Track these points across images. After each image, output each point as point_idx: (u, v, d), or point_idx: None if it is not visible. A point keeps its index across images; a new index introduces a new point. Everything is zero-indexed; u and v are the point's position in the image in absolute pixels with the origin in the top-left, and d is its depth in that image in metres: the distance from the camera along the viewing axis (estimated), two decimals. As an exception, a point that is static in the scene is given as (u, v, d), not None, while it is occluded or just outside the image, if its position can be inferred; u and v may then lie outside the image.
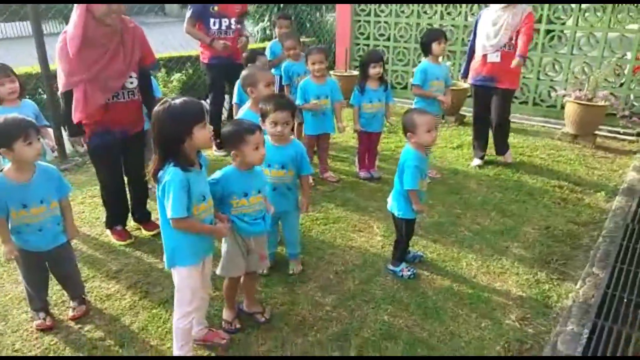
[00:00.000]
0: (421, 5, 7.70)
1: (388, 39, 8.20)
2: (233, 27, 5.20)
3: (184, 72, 7.27)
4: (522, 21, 4.62)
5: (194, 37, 5.26)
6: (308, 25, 10.27)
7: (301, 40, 5.49)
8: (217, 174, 2.54)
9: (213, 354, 2.60)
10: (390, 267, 3.33)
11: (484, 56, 4.81)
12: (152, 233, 3.76)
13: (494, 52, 4.74)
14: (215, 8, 5.05)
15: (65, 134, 5.60)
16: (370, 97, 4.58)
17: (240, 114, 3.59)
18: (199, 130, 2.16)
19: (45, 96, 5.37)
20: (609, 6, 6.15)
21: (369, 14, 8.27)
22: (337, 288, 3.16)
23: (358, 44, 8.55)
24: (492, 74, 4.81)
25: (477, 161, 5.21)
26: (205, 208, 2.30)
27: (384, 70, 4.63)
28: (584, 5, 6.42)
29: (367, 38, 8.42)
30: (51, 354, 2.60)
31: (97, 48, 3.15)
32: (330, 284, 3.20)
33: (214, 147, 5.43)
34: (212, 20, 5.08)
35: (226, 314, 2.81)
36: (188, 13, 5.12)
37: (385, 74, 4.87)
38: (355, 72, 7.93)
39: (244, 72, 3.59)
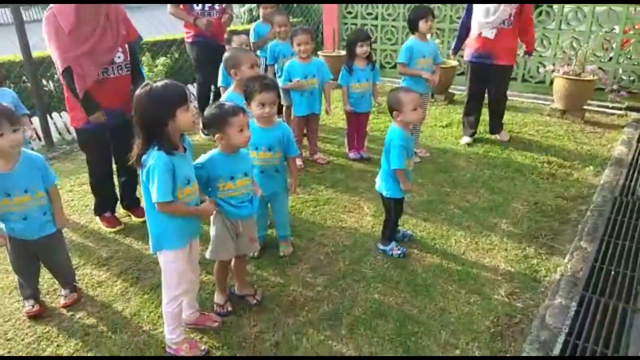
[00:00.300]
0: (409, -18, 7.62)
1: (376, 18, 8.13)
2: (216, 7, 5.18)
3: (169, 55, 7.19)
4: (520, 6, 4.63)
5: (177, 17, 5.22)
6: (295, 5, 10.15)
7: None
8: (202, 158, 2.53)
9: (205, 338, 2.62)
10: (380, 246, 3.35)
11: (481, 34, 4.78)
12: (142, 219, 3.75)
13: (490, 30, 4.71)
14: None
15: (51, 122, 5.57)
16: (359, 77, 4.57)
17: (224, 96, 3.56)
18: (182, 113, 2.16)
19: (29, 84, 5.30)
20: (596, -20, 6.13)
21: (355, -6, 8.19)
22: (327, 269, 3.18)
23: (346, 24, 8.48)
24: (489, 50, 4.79)
25: (467, 139, 5.22)
26: (190, 192, 2.30)
27: (371, 49, 4.61)
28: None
29: (355, 17, 8.35)
30: (44, 342, 2.61)
31: (88, 24, 3.17)
32: (320, 265, 3.22)
33: (201, 130, 5.40)
34: (195, 2, 5.05)
35: (217, 298, 2.82)
36: None
37: (373, 53, 4.83)
38: (344, 52, 7.89)
39: (226, 54, 3.55)
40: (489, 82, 4.97)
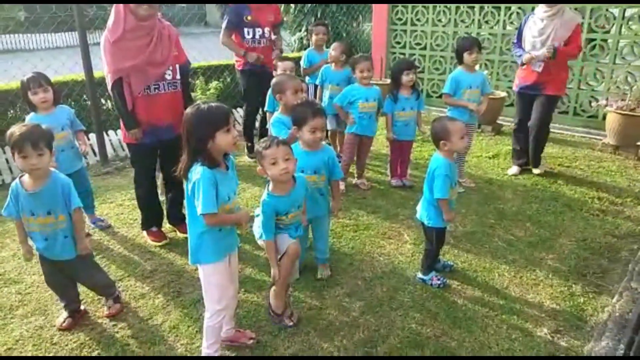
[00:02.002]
0: (458, 13, 7.65)
1: (424, 48, 8.16)
2: (266, 36, 5.33)
3: (221, 80, 7.43)
4: (570, 32, 4.55)
5: (229, 48, 5.40)
6: (344, 34, 10.33)
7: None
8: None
9: (240, 356, 2.65)
10: (420, 275, 3.30)
11: (529, 65, 4.73)
12: (186, 235, 3.83)
13: (537, 62, 4.65)
14: (249, 18, 5.20)
15: (107, 138, 5.82)
16: (403, 105, 4.59)
17: (272, 119, 3.68)
18: (221, 134, 2.24)
19: (89, 102, 5.57)
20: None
21: (405, 23, 8.27)
22: (365, 294, 3.16)
23: (394, 53, 8.55)
24: (537, 81, 4.74)
25: (514, 169, 5.15)
26: (229, 208, 2.36)
27: (417, 78, 4.63)
28: (627, 13, 6.24)
29: (403, 47, 8.41)
30: (86, 349, 2.70)
31: (139, 39, 3.33)
32: (358, 290, 3.21)
33: (247, 153, 5.60)
34: (246, 29, 5.22)
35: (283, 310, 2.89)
36: (224, 24, 5.28)
37: (418, 82, 4.86)
38: (389, 81, 7.93)
39: (274, 80, 3.72)
40: (533, 111, 4.90)
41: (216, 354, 2.51)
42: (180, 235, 3.89)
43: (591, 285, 3.26)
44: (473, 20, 7.52)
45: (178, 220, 3.95)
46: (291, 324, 2.86)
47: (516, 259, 3.56)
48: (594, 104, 6.49)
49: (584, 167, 5.34)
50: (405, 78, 4.51)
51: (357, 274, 3.38)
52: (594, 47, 6.52)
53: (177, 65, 3.57)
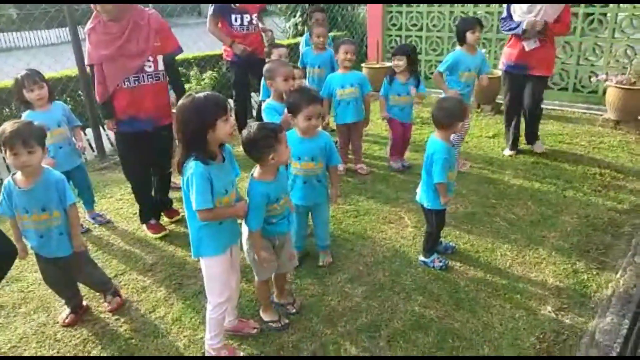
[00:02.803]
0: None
1: (420, 29, 8.08)
2: (254, 22, 5.28)
3: (216, 69, 7.37)
4: (560, 10, 4.47)
5: (216, 37, 5.32)
6: (339, 19, 10.23)
7: (332, 34, 5.53)
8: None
9: (244, 345, 2.64)
10: (422, 258, 3.29)
11: (519, 42, 4.65)
12: (172, 220, 4.00)
13: (529, 40, 4.58)
14: (236, 5, 5.14)
15: (104, 133, 5.78)
16: (398, 91, 4.57)
17: (264, 105, 3.64)
18: (222, 123, 2.20)
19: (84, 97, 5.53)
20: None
21: (400, 5, 8.17)
22: (367, 279, 3.15)
23: (390, 35, 8.46)
24: (525, 61, 4.66)
25: (508, 151, 5.10)
26: (227, 201, 2.33)
27: (415, 62, 4.59)
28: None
29: (399, 29, 8.32)
30: (89, 344, 2.70)
31: (111, 29, 3.34)
32: (360, 275, 3.20)
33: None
34: (233, 16, 5.16)
35: (268, 315, 2.80)
36: (210, 10, 5.19)
37: (418, 66, 4.81)
38: (388, 64, 7.86)
39: (265, 66, 3.65)
40: (524, 92, 4.84)
41: (219, 345, 2.50)
42: (181, 228, 3.88)
43: (594, 262, 3.24)
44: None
45: (164, 207, 3.99)
46: (294, 310, 2.86)
47: (518, 238, 3.54)
48: (593, 79, 6.41)
49: (584, 143, 5.30)
50: (395, 63, 4.53)
51: (359, 259, 3.37)
52: (592, 21, 6.43)
53: (160, 56, 3.51)
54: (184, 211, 2.41)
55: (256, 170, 2.53)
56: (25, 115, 3.59)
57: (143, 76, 3.46)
